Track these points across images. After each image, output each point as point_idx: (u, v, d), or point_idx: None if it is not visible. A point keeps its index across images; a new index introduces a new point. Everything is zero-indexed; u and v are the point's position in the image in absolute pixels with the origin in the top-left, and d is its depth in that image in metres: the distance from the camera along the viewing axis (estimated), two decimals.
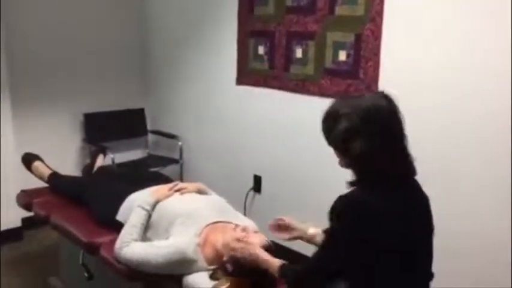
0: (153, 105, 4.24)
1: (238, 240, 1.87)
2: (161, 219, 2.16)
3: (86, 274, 2.38)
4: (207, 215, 2.13)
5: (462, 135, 2.43)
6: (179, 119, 4.06)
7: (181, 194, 2.30)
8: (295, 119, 3.14)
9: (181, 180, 4.02)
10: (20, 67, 3.52)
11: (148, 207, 2.18)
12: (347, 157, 1.50)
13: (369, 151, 1.44)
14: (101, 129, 3.91)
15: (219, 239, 1.97)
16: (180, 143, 3.98)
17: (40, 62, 3.64)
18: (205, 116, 3.82)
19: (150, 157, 4.19)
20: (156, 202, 2.22)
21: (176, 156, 4.01)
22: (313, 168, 3.08)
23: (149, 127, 4.23)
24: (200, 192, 2.37)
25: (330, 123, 1.51)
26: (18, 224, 3.52)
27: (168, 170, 3.95)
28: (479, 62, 2.33)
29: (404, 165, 1.52)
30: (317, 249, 1.62)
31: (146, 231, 2.16)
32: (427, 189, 1.60)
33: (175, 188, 2.32)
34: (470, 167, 2.42)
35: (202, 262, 1.96)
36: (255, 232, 1.97)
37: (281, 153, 3.28)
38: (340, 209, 1.46)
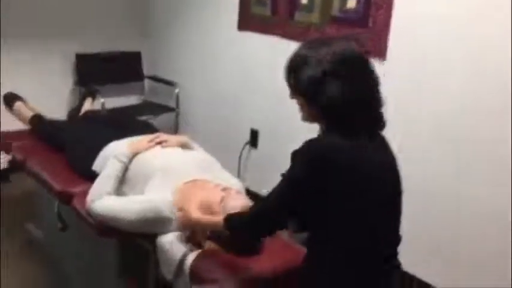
0: (151, 49, 3.99)
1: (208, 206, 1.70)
2: (138, 173, 1.99)
3: (59, 224, 2.24)
4: (187, 172, 1.95)
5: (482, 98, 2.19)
6: (178, 65, 3.82)
7: (162, 147, 2.11)
8: None
9: (177, 130, 3.84)
10: (8, 3, 3.28)
11: (124, 159, 2.01)
12: (316, 105, 1.34)
13: (342, 96, 1.30)
14: (94, 71, 3.71)
15: (197, 197, 1.80)
16: (177, 91, 3.77)
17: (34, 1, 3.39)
18: (205, 62, 3.58)
19: (145, 104, 3.99)
20: (134, 154, 2.05)
21: (172, 104, 3.81)
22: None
23: (146, 72, 4.01)
24: (184, 146, 2.18)
25: (298, 69, 1.36)
26: (5, 166, 3.39)
27: (162, 119, 3.76)
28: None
29: (376, 116, 1.38)
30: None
31: (122, 185, 2.00)
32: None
33: (157, 140, 2.13)
34: (482, 130, 2.20)
35: (177, 221, 1.80)
36: (238, 193, 1.79)
37: (280, 107, 3.06)
38: (301, 150, 1.33)
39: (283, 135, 3.08)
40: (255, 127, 3.25)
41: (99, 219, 1.87)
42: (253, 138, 3.27)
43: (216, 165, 2.11)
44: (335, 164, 1.29)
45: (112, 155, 2.04)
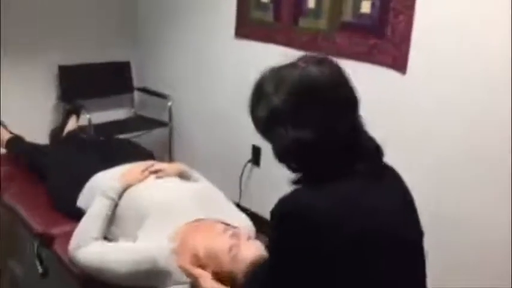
0: (141, 58, 3.70)
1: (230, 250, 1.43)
2: (129, 210, 1.70)
3: (39, 269, 1.94)
4: (188, 210, 1.67)
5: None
6: (170, 76, 3.53)
7: (157, 178, 1.83)
8: None
9: (170, 147, 3.55)
10: None
11: (114, 196, 1.72)
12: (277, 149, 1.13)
13: (299, 139, 1.06)
14: (79, 84, 3.40)
15: (201, 243, 1.52)
16: (169, 103, 3.48)
17: (8, 4, 3.08)
18: (200, 73, 3.29)
19: (135, 118, 3.69)
20: (125, 188, 1.76)
21: (165, 118, 3.51)
22: None
23: (135, 84, 3.71)
24: (182, 176, 1.89)
25: (253, 104, 1.16)
26: None
27: (155, 134, 3.48)
28: None
29: (358, 148, 1.11)
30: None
31: (111, 224, 1.71)
32: None
33: (151, 169, 1.85)
34: None
35: (178, 274, 1.51)
36: (249, 239, 1.51)
37: None
38: (280, 216, 1.09)
39: None
40: (257, 143, 2.97)
41: (83, 270, 1.59)
42: (255, 156, 2.99)
43: (222, 200, 1.84)
44: (315, 224, 1.03)
45: (99, 190, 1.76)
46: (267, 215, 2.69)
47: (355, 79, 1.13)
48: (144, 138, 3.46)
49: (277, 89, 1.08)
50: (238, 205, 2.96)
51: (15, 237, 2.45)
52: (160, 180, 1.81)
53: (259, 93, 1.13)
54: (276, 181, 2.88)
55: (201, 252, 1.49)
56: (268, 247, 1.23)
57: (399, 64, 2.17)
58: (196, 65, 3.30)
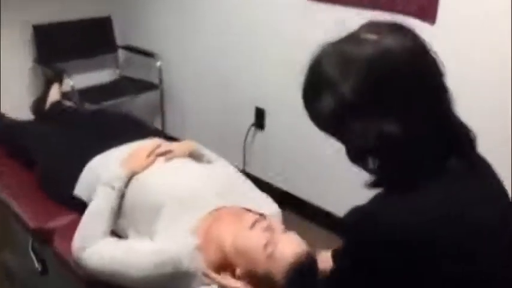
0: (123, 12, 3.34)
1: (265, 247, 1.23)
2: (139, 203, 1.47)
3: (37, 267, 1.72)
4: (208, 197, 1.45)
5: None
6: (157, 31, 3.20)
7: (167, 161, 1.59)
8: (309, 33, 2.35)
9: (162, 112, 3.28)
10: None
11: (119, 185, 1.48)
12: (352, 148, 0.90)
13: (382, 133, 0.83)
14: (57, 45, 3.07)
15: (229, 238, 1.32)
16: (158, 63, 3.17)
17: None
18: (192, 27, 2.95)
19: (122, 80, 3.38)
20: (131, 176, 1.52)
21: (154, 79, 3.22)
22: None
23: (119, 42, 3.37)
24: (193, 157, 1.66)
25: (311, 94, 0.92)
26: None
27: (144, 98, 3.19)
28: None
29: (452, 141, 0.88)
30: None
31: (118, 217, 1.49)
32: None
33: (157, 151, 1.60)
34: None
35: (198, 266, 1.32)
36: (284, 231, 1.31)
37: (291, 81, 2.52)
38: (356, 235, 0.90)
39: (294, 114, 2.57)
40: (260, 105, 2.73)
41: (91, 273, 1.37)
42: (259, 119, 2.75)
43: (243, 182, 1.62)
44: (405, 247, 0.83)
45: (101, 179, 1.52)
46: (271, 181, 2.44)
47: None
48: (131, 103, 3.19)
49: (345, 73, 0.84)
50: (243, 171, 2.76)
51: (8, 228, 2.23)
52: (170, 164, 1.57)
53: (318, 81, 0.89)
54: (283, 145, 2.72)
55: (230, 248, 1.30)
56: (340, 258, 1.01)
57: (427, 13, 1.92)
58: (187, 17, 2.96)
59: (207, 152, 1.70)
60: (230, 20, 2.72)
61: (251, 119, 2.77)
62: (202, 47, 2.94)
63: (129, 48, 3.32)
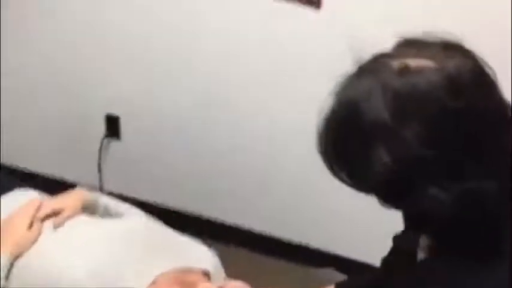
0: None
1: None
2: None
3: None
4: (135, 269, 1.14)
5: None
6: None
7: (56, 227, 1.19)
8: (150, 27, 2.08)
9: None
10: None
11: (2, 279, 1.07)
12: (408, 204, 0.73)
13: (478, 196, 0.66)
14: None
15: None
16: None
17: None
18: (21, 13, 2.29)
19: None
20: (13, 260, 1.11)
21: None
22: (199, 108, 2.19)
23: None
24: (88, 210, 1.29)
25: (346, 148, 0.73)
26: None
27: None
28: None
29: None
30: None
31: None
32: None
33: (40, 214, 1.20)
34: None
35: None
36: None
37: (150, 81, 2.23)
38: None
39: (158, 119, 2.28)
40: (114, 112, 2.34)
41: None
42: (112, 127, 2.36)
43: (167, 233, 1.31)
44: None
45: None
46: (135, 195, 2.14)
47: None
48: None
49: (402, 115, 0.65)
50: (101, 189, 2.37)
51: None
52: (64, 231, 1.19)
53: (358, 128, 0.69)
54: (143, 155, 2.39)
55: None
56: None
57: None
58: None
59: (101, 199, 1.34)
60: (66, 12, 2.22)
61: (102, 128, 2.36)
62: (36, 39, 2.31)
63: None
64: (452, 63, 0.67)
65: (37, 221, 1.19)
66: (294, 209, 2.23)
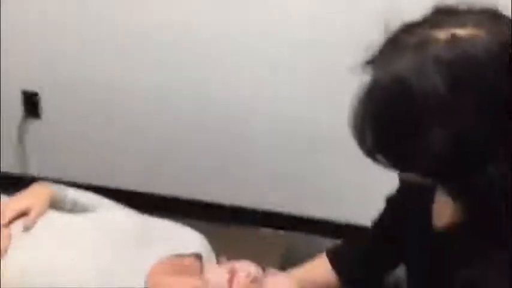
0: None
1: None
2: None
3: None
4: (128, 262, 1.05)
5: None
6: None
7: (27, 229, 1.05)
8: None
9: None
10: None
11: None
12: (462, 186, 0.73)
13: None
14: None
15: None
16: None
17: None
18: None
19: None
20: None
21: None
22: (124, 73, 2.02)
23: None
24: (57, 206, 1.15)
25: (405, 130, 0.69)
26: None
27: None
28: None
29: None
30: None
31: None
32: None
33: (8, 217, 1.06)
34: None
35: None
36: (265, 276, 1.06)
37: (72, 53, 2.01)
38: None
39: (81, 94, 2.08)
40: (31, 87, 2.09)
41: None
42: (31, 105, 2.12)
43: (149, 221, 1.21)
44: None
45: None
46: (64, 177, 1.95)
47: None
48: None
49: (459, 87, 0.63)
50: (19, 178, 2.12)
51: None
52: (36, 233, 1.05)
53: (410, 105, 0.66)
54: (66, 134, 2.15)
55: None
56: None
57: None
58: None
59: (71, 193, 1.20)
60: None
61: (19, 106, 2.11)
62: None
63: None
64: (501, 31, 0.66)
65: (5, 226, 1.04)
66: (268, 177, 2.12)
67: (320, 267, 1.17)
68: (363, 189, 1.89)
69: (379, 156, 0.74)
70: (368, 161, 0.77)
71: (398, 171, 0.78)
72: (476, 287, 0.75)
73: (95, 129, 2.15)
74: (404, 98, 0.67)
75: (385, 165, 0.75)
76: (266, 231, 2.05)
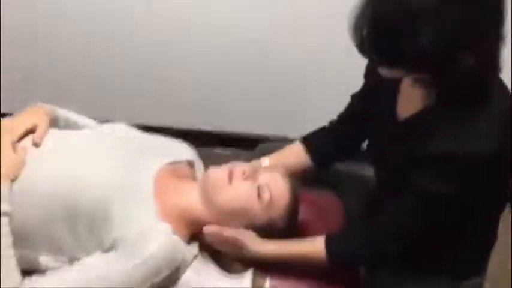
0: None
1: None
2: (56, 214, 1.02)
3: None
4: (139, 168, 1.11)
5: None
6: None
7: (34, 144, 1.09)
8: None
9: None
10: None
11: (6, 207, 0.99)
12: (449, 72, 0.85)
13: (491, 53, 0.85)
14: None
15: (194, 204, 1.11)
16: None
17: None
18: None
19: None
20: (11, 184, 1.02)
21: None
22: None
23: None
24: (55, 123, 1.21)
25: (401, 29, 0.81)
26: None
27: None
28: None
29: None
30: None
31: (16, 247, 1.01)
32: None
33: (17, 134, 1.09)
34: None
35: (187, 252, 1.10)
36: (261, 172, 1.16)
37: None
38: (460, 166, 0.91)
39: None
40: None
41: None
42: None
43: (142, 134, 1.27)
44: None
45: None
46: None
47: None
48: None
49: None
50: None
51: None
52: (47, 147, 1.10)
53: (405, 10, 0.78)
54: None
55: (214, 215, 1.10)
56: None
57: None
58: None
59: (62, 112, 1.25)
60: None
61: None
62: None
63: None
64: None
65: (17, 143, 1.07)
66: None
67: (294, 152, 1.30)
68: None
69: (373, 54, 0.86)
70: None
71: (387, 67, 0.89)
72: (453, 150, 0.89)
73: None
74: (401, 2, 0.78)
75: (377, 62, 0.88)
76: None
